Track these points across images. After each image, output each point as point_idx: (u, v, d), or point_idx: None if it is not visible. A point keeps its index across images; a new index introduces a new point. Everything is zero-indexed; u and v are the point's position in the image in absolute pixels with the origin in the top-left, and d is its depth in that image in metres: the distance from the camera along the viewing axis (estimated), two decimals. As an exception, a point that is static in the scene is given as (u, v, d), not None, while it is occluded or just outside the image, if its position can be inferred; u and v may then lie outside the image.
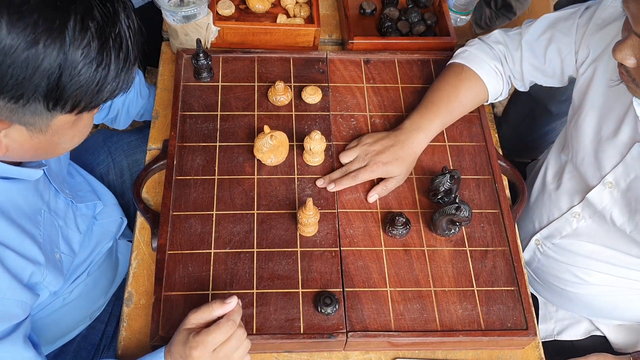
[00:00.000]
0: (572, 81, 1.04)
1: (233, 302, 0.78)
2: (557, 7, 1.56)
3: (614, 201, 0.94)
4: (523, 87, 1.10)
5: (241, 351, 0.78)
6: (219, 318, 0.78)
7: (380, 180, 1.00)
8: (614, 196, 0.94)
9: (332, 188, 0.99)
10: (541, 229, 1.09)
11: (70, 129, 0.71)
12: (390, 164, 0.98)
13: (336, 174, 1.01)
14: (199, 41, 1.04)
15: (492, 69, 1.05)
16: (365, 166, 0.99)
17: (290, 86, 1.11)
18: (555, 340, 1.14)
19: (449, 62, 1.09)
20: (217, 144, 1.04)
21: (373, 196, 0.99)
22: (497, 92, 1.08)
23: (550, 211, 1.07)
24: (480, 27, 1.66)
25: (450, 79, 1.05)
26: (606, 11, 0.94)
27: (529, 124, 1.63)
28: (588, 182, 0.98)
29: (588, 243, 1.02)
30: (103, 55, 0.64)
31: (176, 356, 0.77)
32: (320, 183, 1.00)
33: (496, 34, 1.07)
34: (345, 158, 1.02)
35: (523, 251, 1.12)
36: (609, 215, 0.95)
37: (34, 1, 0.59)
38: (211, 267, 0.92)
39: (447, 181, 0.95)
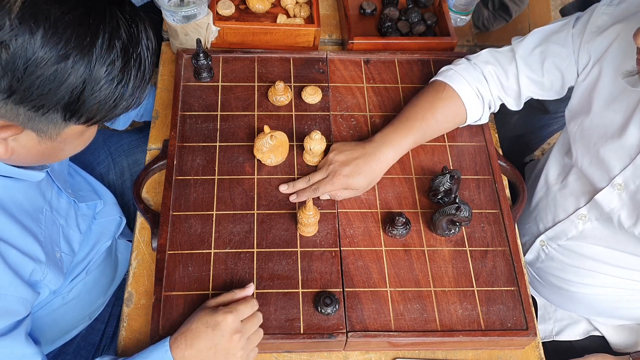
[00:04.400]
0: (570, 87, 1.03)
1: (252, 287, 0.88)
2: (563, 13, 1.56)
3: (622, 203, 0.93)
4: (517, 105, 1.07)
5: (258, 335, 0.85)
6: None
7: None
8: (622, 198, 0.93)
9: (293, 199, 0.98)
10: (546, 230, 1.08)
11: (77, 138, 0.73)
12: (351, 176, 0.96)
13: (300, 184, 0.99)
14: (199, 41, 1.04)
15: (473, 92, 1.03)
16: (326, 177, 0.97)
17: (290, 86, 1.11)
18: (553, 340, 1.15)
19: (431, 80, 1.07)
20: (217, 144, 1.04)
21: (325, 194, 0.98)
22: (476, 115, 1.05)
23: (555, 212, 1.07)
24: (478, 28, 1.66)
25: (429, 97, 1.03)
26: (600, 18, 0.93)
27: (523, 120, 1.62)
28: (595, 184, 0.97)
29: (595, 245, 1.01)
30: (124, 73, 0.66)
31: (197, 331, 0.80)
32: (283, 189, 0.99)
33: (485, 53, 1.05)
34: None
35: (527, 252, 1.12)
36: (616, 218, 0.95)
37: (69, 17, 0.60)
38: (211, 267, 0.92)
39: (447, 181, 0.95)
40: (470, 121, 1.06)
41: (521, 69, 1.01)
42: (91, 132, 0.75)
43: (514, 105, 1.07)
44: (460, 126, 1.08)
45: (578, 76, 0.98)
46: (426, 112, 1.01)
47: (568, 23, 0.98)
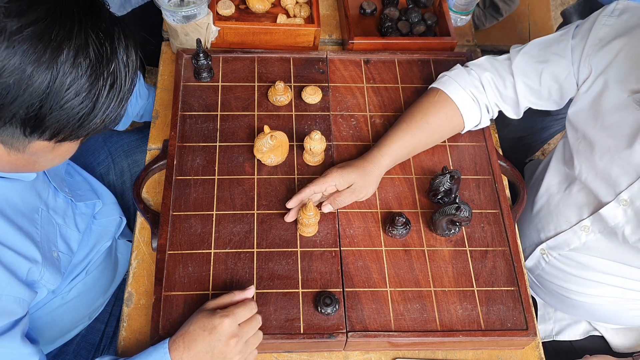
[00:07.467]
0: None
1: (252, 290, 0.87)
2: (564, 15, 1.56)
3: (627, 219, 0.92)
4: (515, 114, 1.06)
5: (257, 337, 0.84)
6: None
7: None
8: (627, 214, 0.92)
9: (327, 209, 0.96)
10: (547, 239, 1.06)
11: (49, 153, 0.70)
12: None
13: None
14: (199, 41, 1.04)
15: (468, 96, 1.02)
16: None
17: (290, 86, 1.11)
18: (553, 340, 1.15)
19: (428, 87, 1.07)
20: (217, 144, 1.04)
21: (327, 207, 0.96)
22: (474, 119, 1.04)
23: (557, 222, 1.05)
24: (476, 26, 1.66)
25: (423, 103, 1.03)
26: (602, 30, 0.92)
27: (524, 122, 1.62)
28: (600, 198, 0.96)
29: (597, 257, 1.00)
30: (90, 92, 0.63)
31: (195, 334, 0.80)
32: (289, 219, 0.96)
33: (483, 60, 1.04)
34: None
35: (527, 259, 1.11)
36: (620, 232, 0.94)
37: (28, 32, 0.58)
38: (211, 267, 0.92)
39: (447, 181, 0.95)
40: (470, 126, 1.05)
41: (518, 79, 1.00)
42: (66, 147, 0.72)
43: (512, 114, 1.06)
44: (462, 132, 1.07)
45: (578, 88, 0.97)
46: (420, 119, 1.01)
47: (567, 33, 0.97)
